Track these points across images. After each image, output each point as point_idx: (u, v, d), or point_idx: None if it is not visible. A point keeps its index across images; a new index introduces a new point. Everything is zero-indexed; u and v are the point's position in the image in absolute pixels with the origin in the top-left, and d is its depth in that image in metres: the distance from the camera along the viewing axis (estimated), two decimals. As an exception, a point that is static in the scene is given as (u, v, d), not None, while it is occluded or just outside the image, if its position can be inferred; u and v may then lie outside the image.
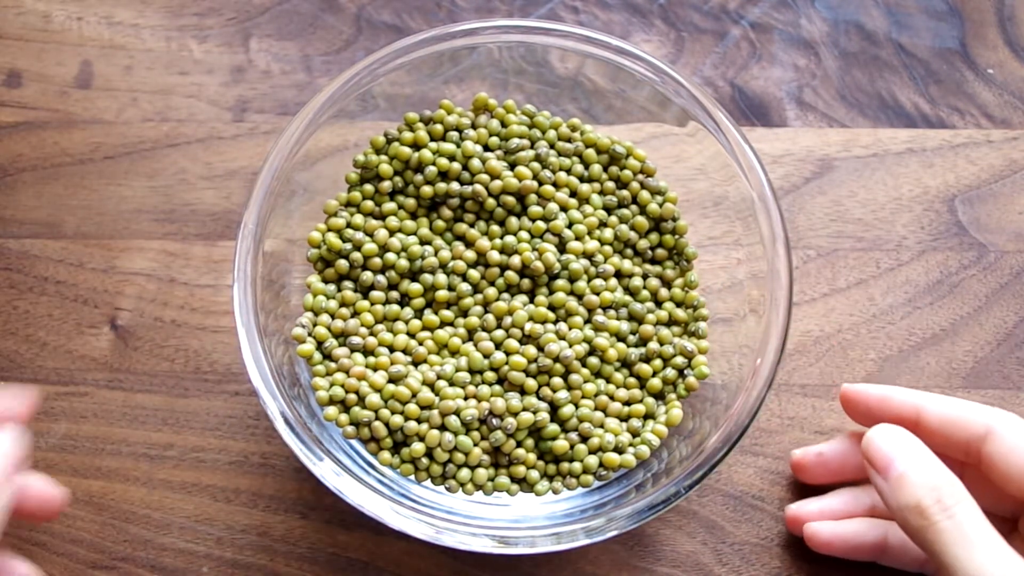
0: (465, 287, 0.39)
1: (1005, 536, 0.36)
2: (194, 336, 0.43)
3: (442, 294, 0.38)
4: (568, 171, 0.40)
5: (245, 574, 0.40)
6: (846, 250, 0.44)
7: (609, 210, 0.40)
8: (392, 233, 0.39)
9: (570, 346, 0.38)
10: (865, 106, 0.47)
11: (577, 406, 0.37)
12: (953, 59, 0.47)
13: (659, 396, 0.39)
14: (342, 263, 0.39)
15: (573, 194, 0.40)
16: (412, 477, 0.37)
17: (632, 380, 0.38)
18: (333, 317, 0.38)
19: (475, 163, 0.39)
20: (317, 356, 0.38)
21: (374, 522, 0.34)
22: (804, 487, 0.41)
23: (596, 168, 0.40)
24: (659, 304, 0.40)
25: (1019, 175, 0.46)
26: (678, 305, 0.40)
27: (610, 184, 0.40)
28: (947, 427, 0.35)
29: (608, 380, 0.38)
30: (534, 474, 0.37)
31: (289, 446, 0.35)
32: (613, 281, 0.39)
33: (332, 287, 0.39)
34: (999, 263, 0.44)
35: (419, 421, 0.36)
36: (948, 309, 0.44)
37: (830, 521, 0.38)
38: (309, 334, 0.38)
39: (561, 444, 0.37)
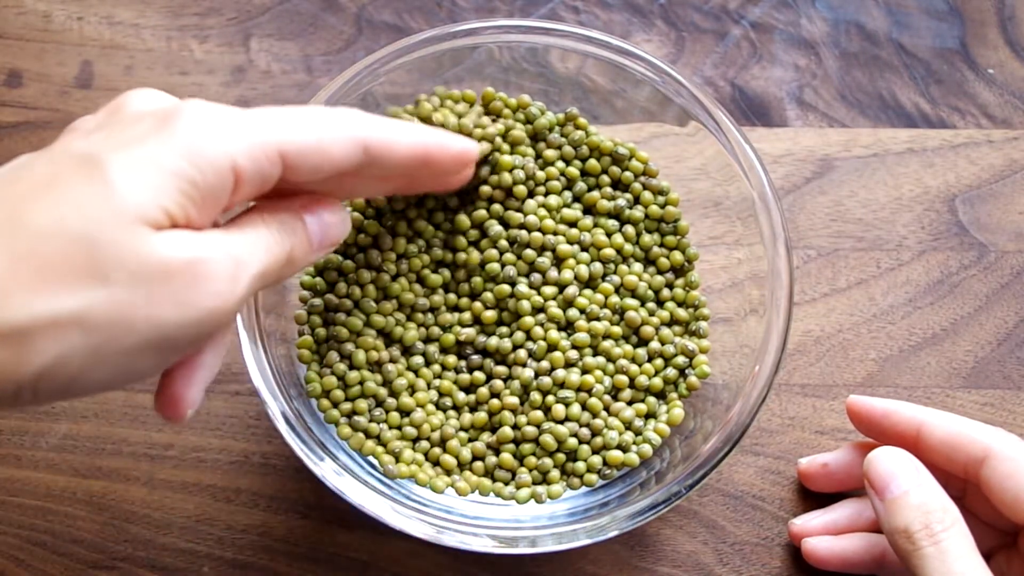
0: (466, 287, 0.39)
1: (1005, 551, 0.36)
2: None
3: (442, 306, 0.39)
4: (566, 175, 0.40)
5: (245, 574, 0.40)
6: (846, 250, 0.44)
7: (616, 215, 0.40)
8: (397, 236, 0.39)
9: (575, 347, 0.38)
10: (865, 106, 0.47)
11: (584, 407, 0.37)
12: (953, 59, 0.47)
13: (660, 395, 0.39)
14: (348, 263, 0.39)
15: (577, 199, 0.40)
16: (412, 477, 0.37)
17: (640, 380, 0.38)
18: (328, 320, 0.38)
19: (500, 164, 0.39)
20: (314, 358, 0.38)
21: (374, 522, 0.34)
22: (806, 490, 0.41)
23: (598, 171, 0.40)
24: (660, 304, 0.40)
25: (1019, 175, 0.46)
26: (679, 305, 0.40)
27: (608, 190, 0.40)
28: (947, 447, 0.35)
29: (612, 379, 0.38)
30: (538, 475, 0.37)
31: (290, 446, 0.35)
32: (616, 279, 0.39)
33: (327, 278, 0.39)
34: (999, 263, 0.44)
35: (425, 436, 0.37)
36: (948, 309, 0.44)
37: (828, 537, 0.38)
38: (308, 317, 0.38)
39: (571, 442, 0.37)
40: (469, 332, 0.38)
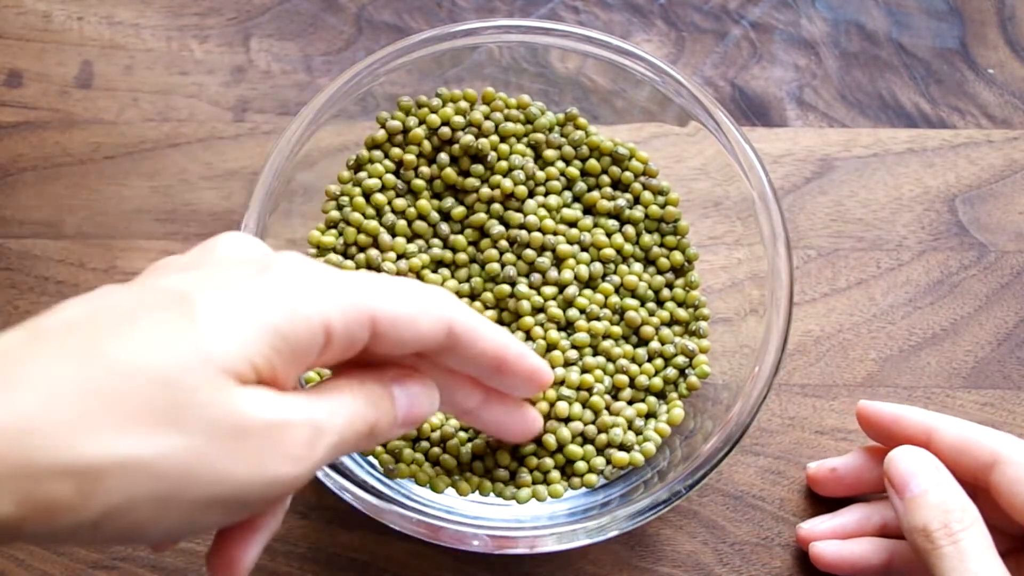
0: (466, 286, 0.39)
1: (1015, 556, 0.36)
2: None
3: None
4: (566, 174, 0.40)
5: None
6: (846, 250, 0.44)
7: (616, 215, 0.40)
8: (392, 235, 0.39)
9: (575, 347, 0.38)
10: (865, 106, 0.47)
11: (584, 406, 0.37)
12: (953, 59, 0.47)
13: (661, 395, 0.39)
14: (348, 263, 0.39)
15: (577, 199, 0.40)
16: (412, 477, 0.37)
17: (640, 380, 0.38)
18: None
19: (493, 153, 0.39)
20: None
21: (374, 522, 0.34)
22: (807, 491, 0.41)
23: (598, 171, 0.40)
24: (660, 304, 0.40)
25: (1019, 175, 0.46)
26: (679, 305, 0.40)
27: (608, 190, 0.40)
28: (956, 452, 0.35)
29: (612, 379, 0.38)
30: (538, 474, 0.37)
31: (290, 446, 0.35)
32: (616, 279, 0.39)
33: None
34: (999, 263, 0.44)
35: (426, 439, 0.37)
36: (948, 309, 0.44)
37: (835, 542, 0.38)
38: None
39: (576, 451, 0.37)
40: None
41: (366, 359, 0.28)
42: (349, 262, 0.38)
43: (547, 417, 0.37)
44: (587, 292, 0.39)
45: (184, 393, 0.23)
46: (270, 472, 0.24)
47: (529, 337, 0.38)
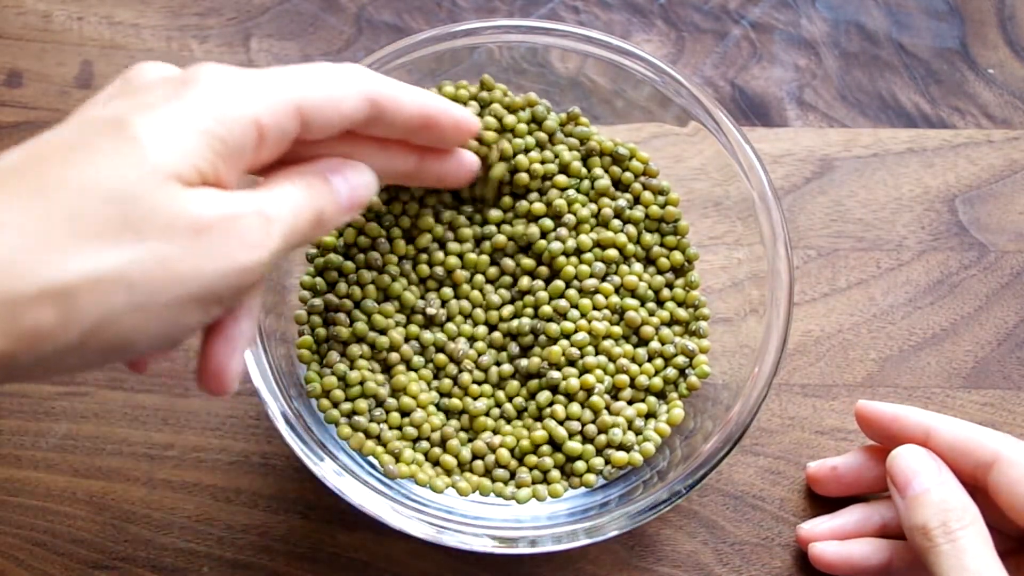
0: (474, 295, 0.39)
1: (1013, 557, 0.36)
2: (195, 335, 0.42)
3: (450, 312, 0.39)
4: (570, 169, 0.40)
5: (245, 574, 0.40)
6: (846, 250, 0.44)
7: (616, 215, 0.40)
8: (391, 239, 0.39)
9: (575, 346, 0.38)
10: (865, 106, 0.47)
11: (583, 406, 0.37)
12: (953, 59, 0.47)
13: (660, 395, 0.39)
14: (348, 264, 0.39)
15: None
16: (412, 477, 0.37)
17: (640, 380, 0.38)
18: (328, 320, 0.38)
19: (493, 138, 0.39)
20: (315, 360, 0.38)
21: (375, 522, 0.34)
22: (806, 491, 0.41)
23: (598, 171, 0.40)
24: (661, 304, 0.40)
25: (1019, 175, 0.46)
26: (679, 305, 0.40)
27: (606, 185, 0.40)
28: (955, 452, 0.36)
29: (612, 379, 0.38)
30: (538, 474, 0.37)
31: (290, 446, 0.35)
32: (616, 279, 0.39)
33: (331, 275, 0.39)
34: (999, 263, 0.44)
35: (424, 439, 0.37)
36: (948, 309, 0.44)
37: (835, 542, 0.38)
38: (308, 317, 0.38)
39: (575, 448, 0.37)
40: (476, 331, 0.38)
41: (300, 155, 0.30)
42: (349, 262, 0.38)
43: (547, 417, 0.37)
44: (587, 291, 0.39)
45: (139, 203, 0.24)
46: (232, 262, 0.26)
47: (534, 335, 0.38)
